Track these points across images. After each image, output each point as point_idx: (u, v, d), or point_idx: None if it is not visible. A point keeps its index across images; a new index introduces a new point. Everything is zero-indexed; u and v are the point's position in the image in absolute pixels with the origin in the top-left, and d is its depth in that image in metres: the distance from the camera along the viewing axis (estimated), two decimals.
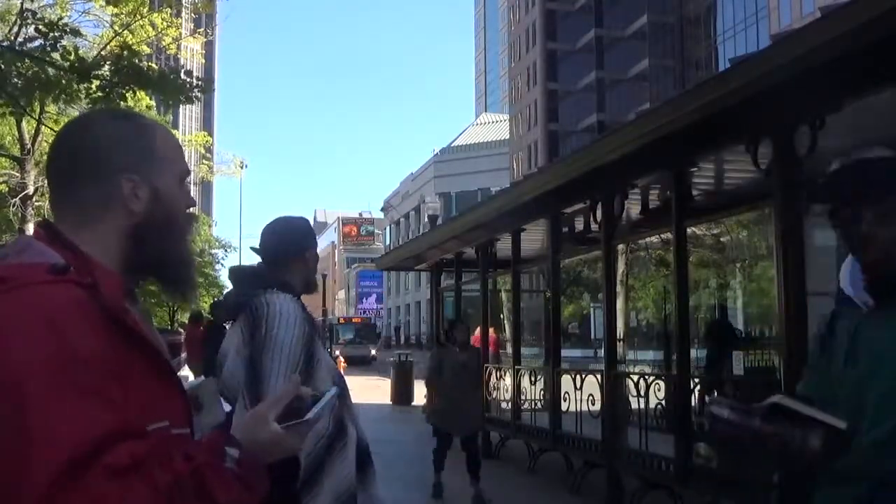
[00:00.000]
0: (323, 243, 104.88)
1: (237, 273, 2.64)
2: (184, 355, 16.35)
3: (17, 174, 19.01)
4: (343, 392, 2.44)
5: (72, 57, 10.49)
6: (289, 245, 2.58)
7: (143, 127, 1.41)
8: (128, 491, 1.07)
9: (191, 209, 1.45)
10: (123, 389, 1.14)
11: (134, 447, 1.10)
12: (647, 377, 7.62)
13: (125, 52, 11.35)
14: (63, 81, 10.53)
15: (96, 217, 1.32)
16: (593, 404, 8.33)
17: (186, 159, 1.45)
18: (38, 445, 1.05)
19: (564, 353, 10.01)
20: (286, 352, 2.29)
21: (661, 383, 7.32)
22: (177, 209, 1.39)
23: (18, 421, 1.06)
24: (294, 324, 2.33)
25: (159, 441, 1.19)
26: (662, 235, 8.36)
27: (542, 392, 9.91)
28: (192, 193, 1.47)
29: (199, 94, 11.35)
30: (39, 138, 18.45)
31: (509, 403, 10.65)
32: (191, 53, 26.21)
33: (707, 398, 6.71)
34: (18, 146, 19.10)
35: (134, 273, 1.36)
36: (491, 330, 12.25)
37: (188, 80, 11.63)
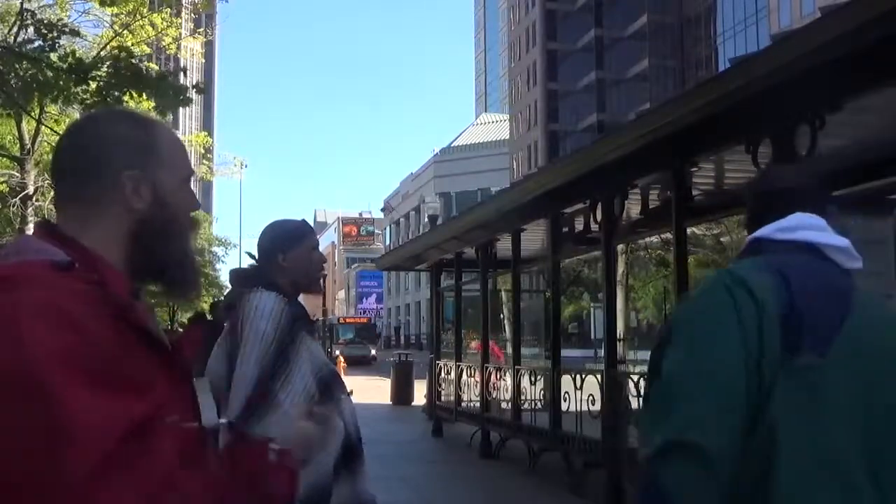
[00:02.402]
0: (323, 243, 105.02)
1: (234, 275, 2.75)
2: None
3: (17, 174, 19.02)
4: (332, 387, 2.54)
5: (70, 59, 10.50)
6: (270, 246, 2.68)
7: (147, 125, 1.40)
8: (175, 482, 1.08)
9: (194, 211, 1.44)
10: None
11: (174, 436, 1.13)
12: (647, 377, 7.61)
13: (122, 55, 11.33)
14: (61, 83, 10.52)
15: (98, 216, 1.31)
16: (593, 404, 8.32)
17: (191, 161, 1.46)
18: (71, 438, 1.04)
19: (564, 353, 10.01)
20: (257, 343, 2.38)
21: None
22: (179, 209, 1.38)
23: (47, 416, 1.05)
24: (268, 317, 2.43)
25: (190, 437, 1.23)
26: (662, 235, 8.36)
27: (542, 392, 9.91)
28: (195, 195, 1.46)
29: (191, 97, 11.34)
30: (39, 138, 18.47)
31: (509, 403, 10.65)
32: (191, 53, 26.24)
33: None
34: (18, 146, 19.12)
35: (136, 273, 1.35)
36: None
37: (185, 84, 11.64)
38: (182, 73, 12.04)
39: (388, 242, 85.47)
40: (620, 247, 9.01)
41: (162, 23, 17.96)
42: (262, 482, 1.30)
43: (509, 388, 10.70)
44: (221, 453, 1.25)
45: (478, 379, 11.86)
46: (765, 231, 1.77)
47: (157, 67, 13.52)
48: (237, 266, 2.98)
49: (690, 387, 1.51)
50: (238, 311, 2.47)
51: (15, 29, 15.19)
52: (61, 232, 1.29)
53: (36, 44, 10.95)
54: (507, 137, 79.21)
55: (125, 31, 17.04)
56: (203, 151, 28.33)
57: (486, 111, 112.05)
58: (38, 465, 1.04)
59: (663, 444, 1.47)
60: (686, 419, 1.47)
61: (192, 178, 1.44)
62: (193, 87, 11.42)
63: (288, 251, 2.66)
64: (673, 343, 1.61)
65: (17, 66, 10.82)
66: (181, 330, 24.57)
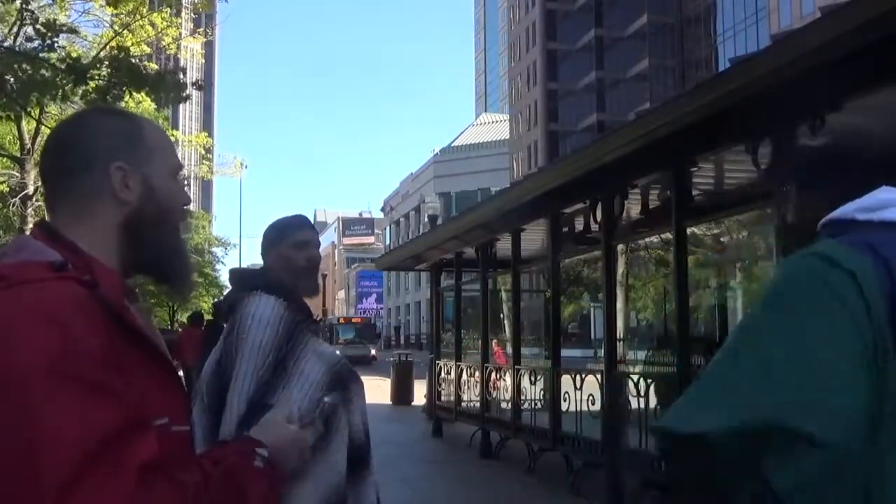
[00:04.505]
0: (323, 243, 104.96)
1: (234, 275, 2.61)
2: None
3: (17, 174, 19.03)
4: (347, 386, 2.39)
5: (68, 60, 10.51)
6: (264, 244, 2.53)
7: (132, 118, 1.40)
8: (149, 488, 1.07)
9: (186, 205, 1.43)
10: (125, 384, 1.13)
11: (151, 445, 1.10)
12: (647, 377, 7.62)
13: (121, 55, 11.33)
14: (59, 83, 10.54)
15: (89, 211, 1.30)
16: (593, 404, 8.32)
17: (181, 157, 1.45)
18: (47, 446, 1.03)
19: (564, 353, 10.01)
20: (253, 354, 2.26)
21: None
22: (170, 202, 1.37)
23: (25, 421, 1.04)
24: (265, 327, 2.28)
25: (180, 441, 1.22)
26: (662, 235, 8.35)
27: (542, 392, 9.91)
28: (188, 191, 1.45)
29: (190, 94, 11.33)
30: (39, 138, 18.47)
31: (509, 403, 10.65)
32: (191, 53, 26.21)
33: None
34: (18, 146, 19.12)
35: (130, 268, 1.34)
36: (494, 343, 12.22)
37: (184, 80, 11.64)
38: (182, 73, 12.05)
39: (388, 242, 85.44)
40: (620, 247, 9.00)
41: (162, 23, 17.94)
42: (242, 493, 1.23)
43: (509, 388, 10.70)
44: (203, 461, 1.19)
45: (478, 379, 11.86)
46: (844, 211, 1.53)
47: (156, 67, 13.52)
48: (237, 266, 2.87)
49: (802, 378, 1.14)
50: (236, 315, 2.35)
51: (15, 29, 15.20)
52: (57, 231, 1.29)
53: (35, 44, 10.95)
54: (507, 137, 79.16)
55: (125, 31, 17.03)
56: (203, 151, 28.31)
57: (486, 111, 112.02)
58: (11, 472, 1.04)
59: (765, 427, 1.05)
60: (803, 404, 1.09)
61: (181, 172, 1.43)
62: (193, 83, 11.45)
63: (269, 248, 2.48)
64: (763, 341, 1.16)
65: (16, 66, 10.82)
66: (180, 330, 24.57)
